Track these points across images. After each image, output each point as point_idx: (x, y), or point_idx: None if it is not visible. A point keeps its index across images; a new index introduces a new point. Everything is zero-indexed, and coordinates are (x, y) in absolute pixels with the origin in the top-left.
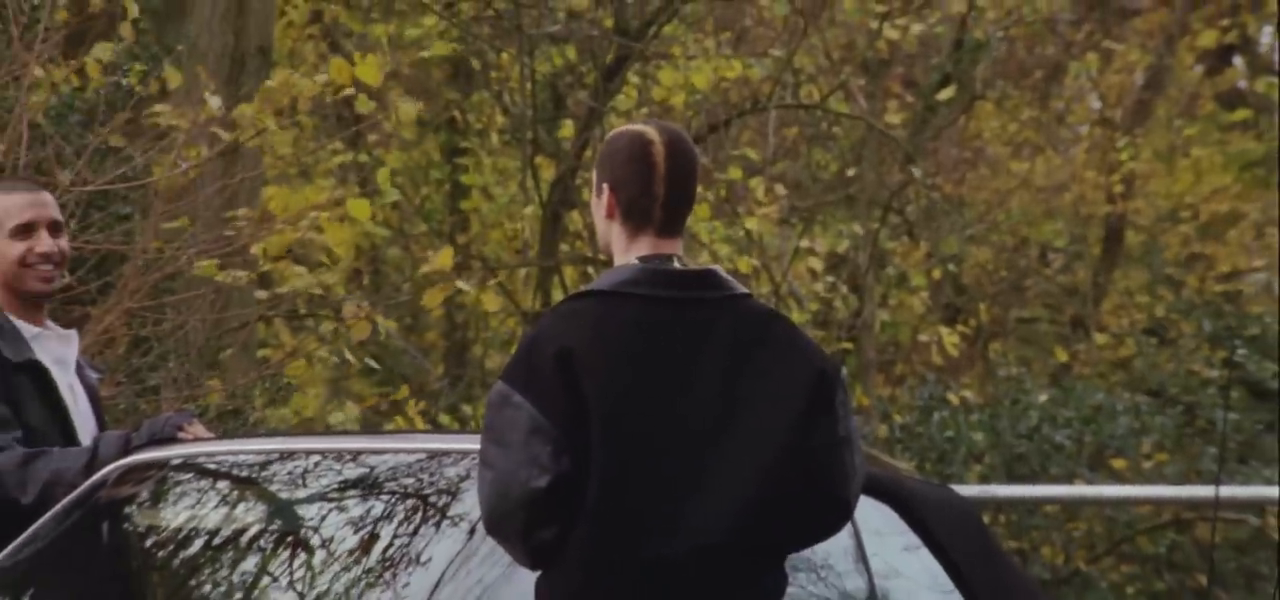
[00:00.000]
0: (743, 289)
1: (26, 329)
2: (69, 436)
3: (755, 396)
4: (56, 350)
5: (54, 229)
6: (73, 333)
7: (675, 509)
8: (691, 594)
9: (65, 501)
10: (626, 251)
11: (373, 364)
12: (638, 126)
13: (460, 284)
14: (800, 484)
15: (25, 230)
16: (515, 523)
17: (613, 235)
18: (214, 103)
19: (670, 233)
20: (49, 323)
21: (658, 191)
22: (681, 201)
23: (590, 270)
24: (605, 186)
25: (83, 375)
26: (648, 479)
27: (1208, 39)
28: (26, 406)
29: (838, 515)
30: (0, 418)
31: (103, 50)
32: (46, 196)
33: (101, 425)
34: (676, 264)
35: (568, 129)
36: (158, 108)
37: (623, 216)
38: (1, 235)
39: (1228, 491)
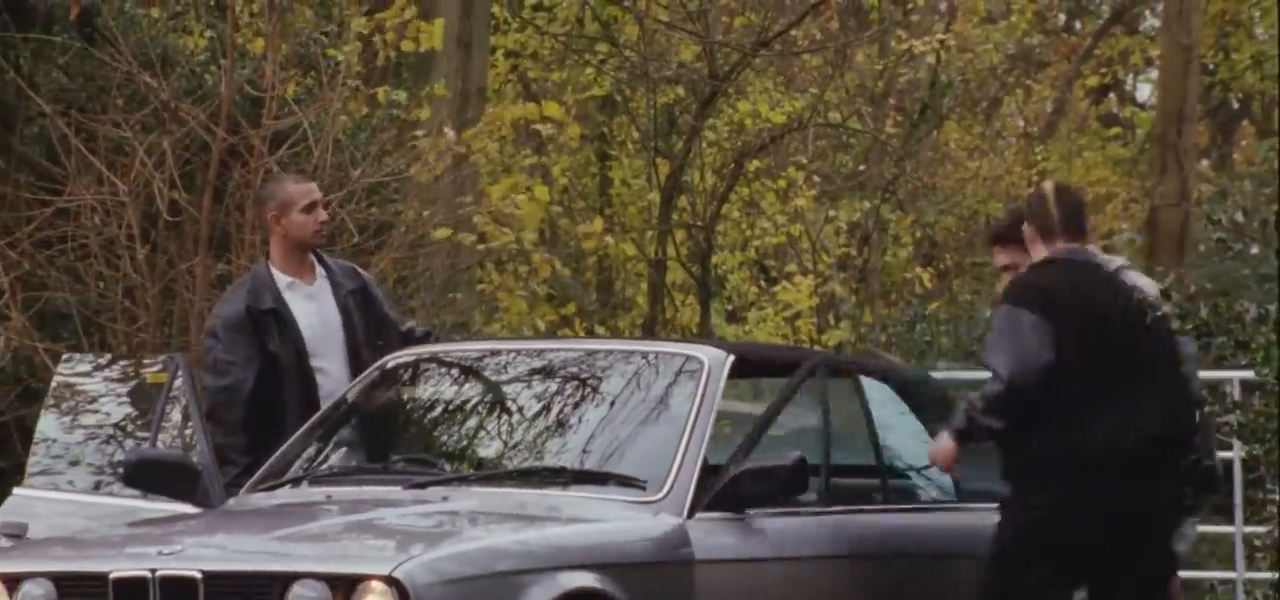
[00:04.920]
0: (1122, 261)
1: (281, 280)
2: (302, 359)
3: (1151, 335)
4: (306, 294)
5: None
6: (325, 285)
7: (1115, 401)
8: (1124, 475)
9: (359, 379)
10: (1044, 250)
11: (551, 292)
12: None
13: (601, 246)
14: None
15: (312, 207)
16: (1027, 386)
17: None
18: (450, 135)
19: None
20: (308, 278)
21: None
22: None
23: (692, 233)
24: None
25: (348, 300)
26: (1100, 373)
27: (1093, 81)
28: (269, 337)
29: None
30: (235, 358)
31: (383, 94)
32: (315, 185)
33: (367, 335)
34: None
35: (677, 142)
36: (416, 133)
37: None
38: (297, 210)
39: None
